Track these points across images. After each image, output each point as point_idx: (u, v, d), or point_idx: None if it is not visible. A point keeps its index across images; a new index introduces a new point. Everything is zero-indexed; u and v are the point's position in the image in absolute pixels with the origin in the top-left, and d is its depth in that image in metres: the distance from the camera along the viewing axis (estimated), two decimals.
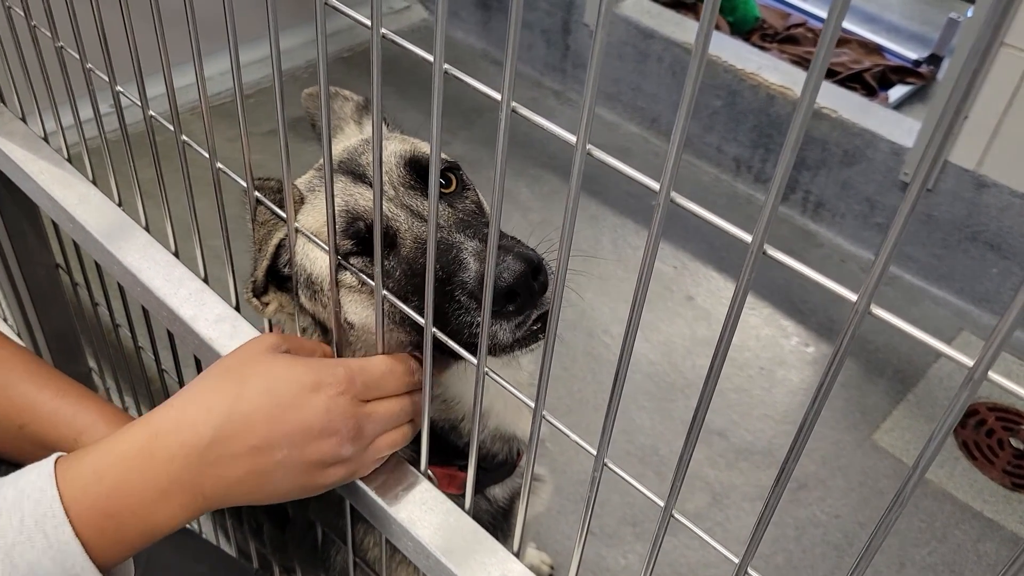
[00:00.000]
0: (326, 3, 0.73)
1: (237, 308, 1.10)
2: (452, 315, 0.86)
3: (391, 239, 0.92)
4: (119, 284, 1.23)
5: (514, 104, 0.63)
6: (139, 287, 1.14)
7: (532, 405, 0.78)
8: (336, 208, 0.93)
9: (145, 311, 1.27)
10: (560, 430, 0.78)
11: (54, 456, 0.84)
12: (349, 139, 1.11)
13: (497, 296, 0.82)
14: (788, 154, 0.49)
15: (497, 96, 0.64)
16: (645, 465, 2.24)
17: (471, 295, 0.84)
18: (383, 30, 0.69)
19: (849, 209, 2.87)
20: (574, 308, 2.61)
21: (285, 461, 0.82)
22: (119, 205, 1.23)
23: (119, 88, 1.07)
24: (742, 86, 2.95)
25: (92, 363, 1.82)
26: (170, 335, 1.23)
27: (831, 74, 3.64)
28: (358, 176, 0.97)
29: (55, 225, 1.43)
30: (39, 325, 1.67)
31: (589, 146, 0.59)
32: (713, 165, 3.17)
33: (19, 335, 1.84)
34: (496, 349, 0.88)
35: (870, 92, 3.57)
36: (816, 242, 2.96)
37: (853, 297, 0.52)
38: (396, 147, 0.99)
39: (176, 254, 1.17)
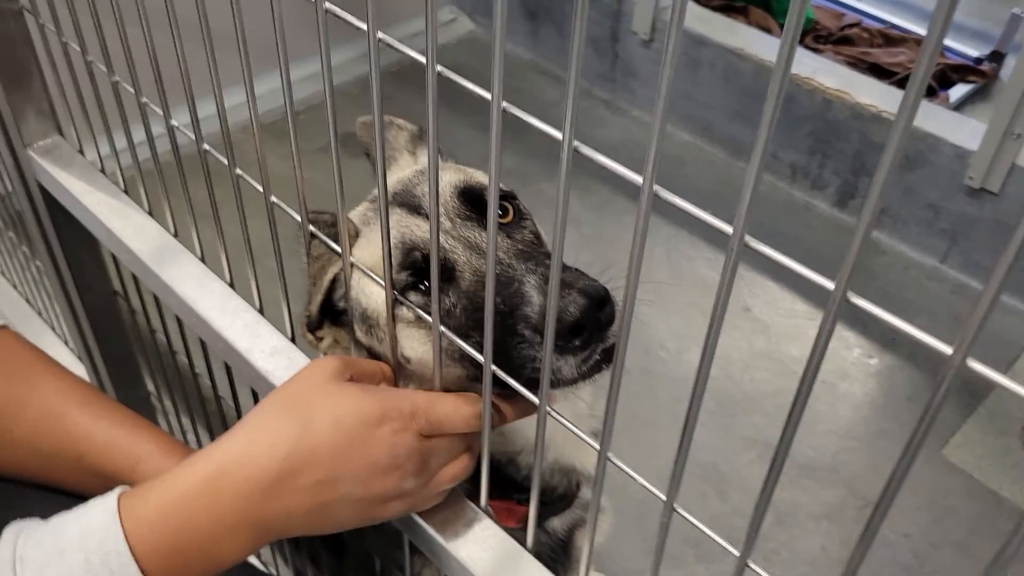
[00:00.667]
0: (380, 40, 0.71)
1: (292, 339, 1.09)
2: (514, 349, 0.84)
3: (449, 272, 0.90)
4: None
5: (577, 144, 0.61)
6: (195, 318, 1.14)
7: (597, 447, 0.76)
8: (392, 240, 0.92)
9: (202, 339, 1.27)
10: (627, 473, 0.75)
11: (117, 492, 0.84)
12: (403, 170, 1.09)
13: (562, 331, 0.79)
14: (880, 181, 0.45)
15: (557, 135, 0.61)
16: (706, 483, 2.19)
17: (535, 329, 0.82)
18: (438, 67, 0.67)
19: (912, 215, 2.78)
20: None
21: (348, 496, 0.82)
22: (175, 235, 1.23)
23: (174, 123, 1.07)
24: (797, 91, 2.89)
25: (151, 386, 1.83)
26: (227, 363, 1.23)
27: (888, 74, 3.55)
28: (413, 208, 0.95)
29: (112, 253, 1.45)
30: (99, 351, 1.69)
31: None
32: (769, 172, 3.11)
33: (80, 358, 1.87)
34: (559, 383, 0.85)
35: (930, 92, 3.47)
36: (879, 249, 2.88)
37: (948, 350, 0.48)
38: (451, 177, 0.98)
39: (231, 284, 1.16)
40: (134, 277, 1.35)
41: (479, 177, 1.01)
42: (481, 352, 0.77)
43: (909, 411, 2.36)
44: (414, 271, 0.91)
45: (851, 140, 2.84)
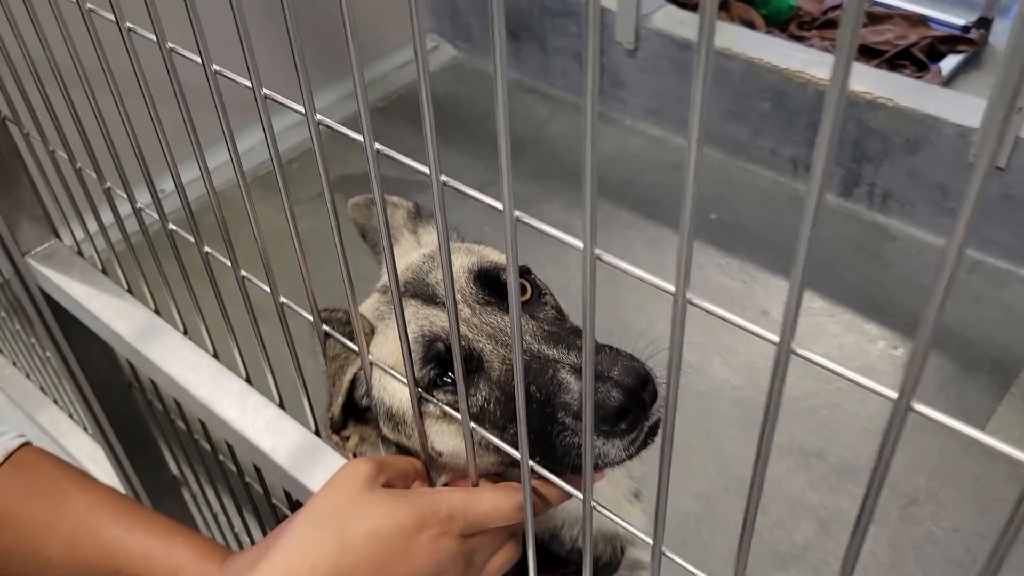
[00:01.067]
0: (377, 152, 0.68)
1: (317, 432, 1.06)
2: (556, 438, 0.81)
3: (476, 363, 0.87)
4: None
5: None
6: (215, 420, 1.11)
7: (650, 541, 0.73)
8: (410, 334, 0.89)
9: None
10: (682, 566, 0.72)
11: None
12: (407, 251, 1.06)
13: (607, 417, 0.76)
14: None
15: (578, 246, 0.58)
16: (745, 498, 2.15)
17: (576, 416, 0.79)
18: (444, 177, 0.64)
19: (919, 197, 2.75)
20: (644, 336, 2.54)
21: None
22: (184, 333, 1.21)
23: (172, 227, 1.04)
24: (789, 85, 2.86)
25: (175, 470, 1.81)
26: None
27: (877, 54, 3.51)
28: (428, 297, 0.92)
29: None
30: (117, 439, 1.66)
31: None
32: (770, 168, 3.07)
33: (101, 445, 1.84)
34: (606, 466, 0.83)
35: (920, 67, 3.43)
36: (888, 235, 2.85)
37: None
38: (463, 261, 0.94)
39: (248, 379, 1.14)
40: None
41: (491, 256, 0.97)
42: (517, 445, 0.74)
43: (941, 400, 2.32)
44: (438, 363, 0.88)
45: (848, 129, 2.80)
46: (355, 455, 1.05)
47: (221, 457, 1.51)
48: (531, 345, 0.83)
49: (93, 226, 1.24)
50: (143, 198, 1.07)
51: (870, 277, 2.66)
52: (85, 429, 2.17)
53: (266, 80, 0.71)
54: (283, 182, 0.79)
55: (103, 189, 1.13)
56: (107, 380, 1.57)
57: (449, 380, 0.87)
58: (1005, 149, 2.45)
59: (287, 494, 1.21)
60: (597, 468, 0.82)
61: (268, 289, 0.93)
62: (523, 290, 0.94)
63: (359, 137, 0.67)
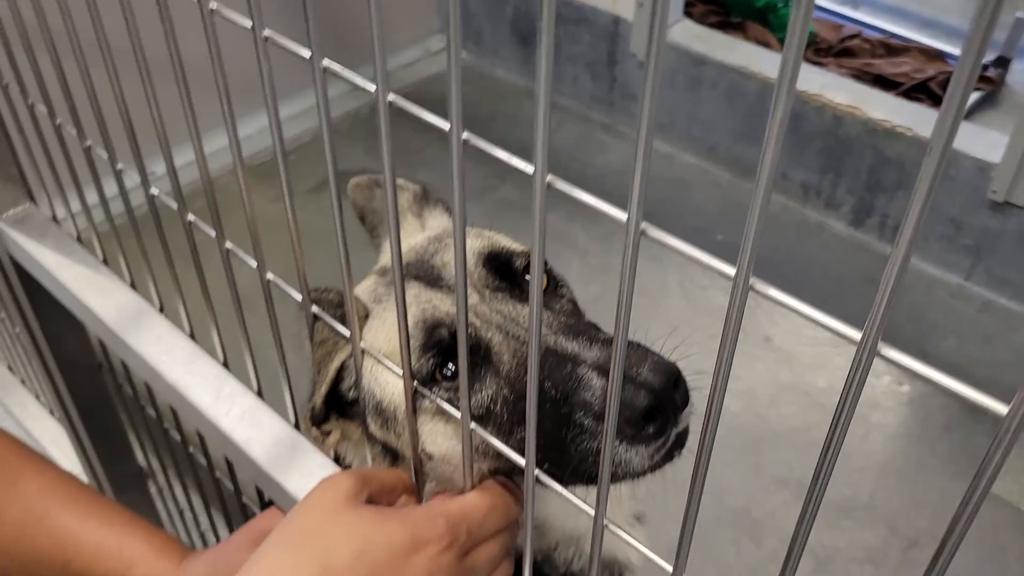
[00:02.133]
0: (390, 103, 0.59)
1: (297, 426, 0.97)
2: (571, 442, 0.72)
3: (484, 355, 0.78)
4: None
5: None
6: (186, 406, 1.02)
7: (668, 568, 0.64)
8: (410, 319, 0.80)
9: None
10: None
11: None
12: (410, 236, 0.97)
13: (634, 419, 0.67)
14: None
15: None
16: (738, 530, 2.06)
17: (597, 417, 0.70)
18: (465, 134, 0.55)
19: (932, 231, 2.67)
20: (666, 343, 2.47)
21: None
22: (160, 310, 1.11)
23: (155, 190, 0.95)
24: (805, 108, 2.79)
25: (143, 461, 1.70)
26: None
27: (893, 85, 3.46)
28: (432, 280, 0.83)
29: None
30: (84, 425, 1.56)
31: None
32: (779, 192, 3.00)
33: (67, 430, 1.74)
34: (627, 476, 0.73)
35: (936, 101, 3.37)
36: None
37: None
38: (471, 243, 0.85)
39: (226, 364, 1.04)
40: None
41: (502, 241, 0.89)
42: (522, 452, 0.65)
43: (947, 441, 2.24)
44: (439, 352, 0.78)
45: (864, 157, 2.73)
46: (336, 455, 0.96)
47: (191, 449, 1.42)
48: (547, 337, 0.74)
49: (72, 193, 1.15)
50: (126, 163, 0.98)
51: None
52: (52, 412, 2.06)
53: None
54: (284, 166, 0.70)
55: (83, 148, 1.04)
56: (76, 359, 1.47)
57: (450, 372, 0.78)
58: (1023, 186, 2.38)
59: (259, 492, 1.12)
60: (616, 479, 0.73)
61: (255, 264, 0.84)
62: None
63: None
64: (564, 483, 0.74)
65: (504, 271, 0.83)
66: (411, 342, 0.78)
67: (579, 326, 0.76)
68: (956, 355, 2.41)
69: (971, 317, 2.59)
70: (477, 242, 0.86)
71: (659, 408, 0.67)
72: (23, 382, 2.14)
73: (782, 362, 2.46)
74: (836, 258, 2.78)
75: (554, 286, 0.88)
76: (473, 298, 0.80)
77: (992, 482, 0.44)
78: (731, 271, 0.47)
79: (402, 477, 0.80)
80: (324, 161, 0.67)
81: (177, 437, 1.43)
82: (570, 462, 0.72)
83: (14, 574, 1.07)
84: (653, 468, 0.73)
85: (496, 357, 0.77)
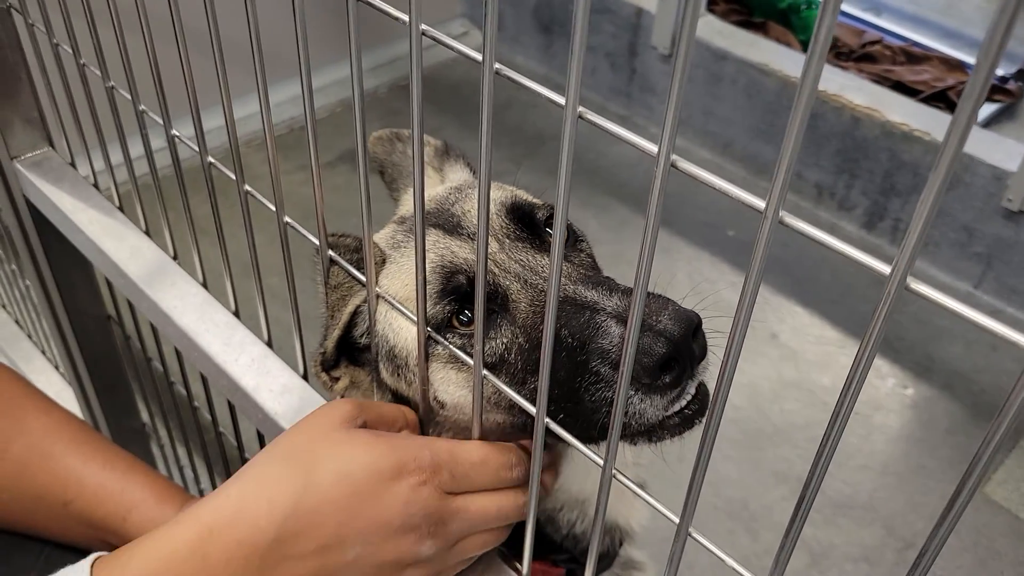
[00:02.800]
0: (423, 32, 0.59)
1: (305, 377, 0.97)
2: (585, 391, 0.71)
3: (502, 303, 0.78)
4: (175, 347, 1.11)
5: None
6: (196, 352, 1.02)
7: (675, 520, 0.64)
8: (428, 265, 0.80)
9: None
10: (715, 554, 0.63)
11: (91, 558, 0.72)
12: (431, 188, 0.97)
13: (651, 366, 0.66)
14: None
15: (652, 150, 0.50)
16: (734, 520, 2.06)
17: (614, 366, 0.69)
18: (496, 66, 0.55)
19: (944, 237, 2.67)
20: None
21: (357, 561, 0.70)
22: (174, 257, 1.12)
23: (175, 132, 0.95)
24: (824, 108, 2.78)
25: (146, 417, 1.71)
26: None
27: (912, 92, 3.45)
28: (452, 227, 0.83)
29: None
30: (90, 378, 1.56)
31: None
32: (793, 192, 2.99)
33: (70, 384, 1.74)
34: (639, 434, 0.73)
35: (955, 111, 3.36)
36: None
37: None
38: (495, 194, 0.85)
39: (236, 313, 1.04)
40: (129, 301, 1.23)
41: (523, 195, 0.89)
42: (534, 400, 0.65)
43: (949, 445, 2.23)
44: (457, 299, 0.78)
45: (880, 159, 2.73)
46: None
47: (196, 404, 1.42)
48: (566, 286, 0.73)
49: (92, 138, 1.15)
50: (150, 106, 0.98)
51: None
52: (57, 367, 2.07)
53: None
54: (313, 129, 0.70)
55: (106, 88, 1.04)
56: (86, 310, 1.48)
57: (467, 319, 0.78)
58: None
59: (261, 442, 1.12)
60: (627, 433, 0.73)
61: (273, 207, 0.84)
62: None
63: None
64: (575, 437, 0.74)
65: (527, 222, 0.83)
66: (428, 288, 0.78)
67: (598, 278, 0.76)
68: (962, 362, 2.41)
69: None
70: (499, 193, 0.86)
71: (676, 357, 0.66)
72: (30, 336, 2.15)
73: (787, 359, 2.46)
74: (846, 260, 2.77)
75: (574, 240, 0.88)
76: (493, 246, 0.80)
77: (982, 477, 0.44)
78: (760, 204, 0.47)
79: (406, 413, 0.80)
80: (339, 136, 0.68)
81: (183, 392, 1.43)
82: (583, 413, 0.72)
83: (15, 512, 1.07)
84: (671, 430, 0.73)
85: (513, 305, 0.77)
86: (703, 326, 0.70)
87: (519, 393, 0.69)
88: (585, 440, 0.69)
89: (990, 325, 0.43)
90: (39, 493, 1.05)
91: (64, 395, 2.06)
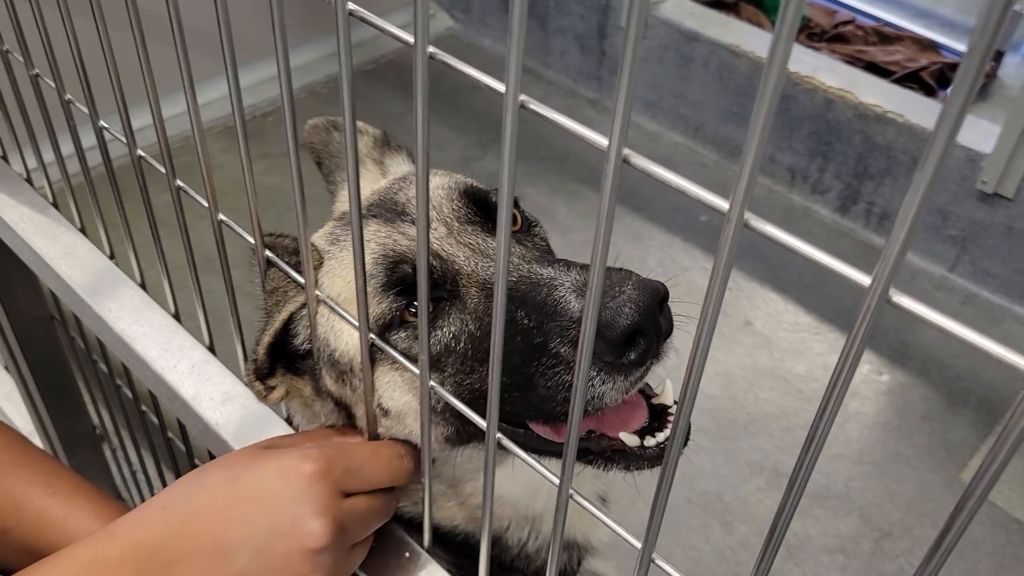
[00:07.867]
0: (350, 13, 0.53)
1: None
2: (541, 376, 0.66)
3: (451, 287, 0.72)
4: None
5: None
6: (133, 358, 0.96)
7: (638, 545, 0.58)
8: (370, 256, 0.74)
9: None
10: None
11: None
12: (369, 184, 0.91)
13: (615, 341, 0.61)
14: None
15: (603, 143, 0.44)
16: (708, 514, 2.02)
17: (574, 343, 0.64)
18: (430, 49, 0.49)
19: (918, 221, 2.63)
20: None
21: (248, 570, 0.66)
22: (111, 257, 1.05)
23: (103, 123, 0.88)
24: (796, 90, 2.73)
25: (96, 419, 1.64)
26: None
27: (885, 73, 3.41)
28: (394, 216, 0.77)
29: None
30: (35, 381, 1.49)
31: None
32: (765, 176, 2.95)
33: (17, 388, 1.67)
34: (613, 462, 0.71)
35: (928, 91, 3.33)
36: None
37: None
38: (441, 180, 0.80)
39: (177, 316, 0.98)
40: None
41: (477, 185, 0.83)
42: (483, 409, 0.60)
43: (924, 432, 2.21)
44: (404, 290, 0.72)
45: (853, 142, 2.69)
46: (288, 415, 0.90)
47: (143, 407, 1.35)
48: (520, 266, 0.68)
49: (23, 133, 1.08)
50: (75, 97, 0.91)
51: (859, 298, 2.54)
52: (6, 368, 1.98)
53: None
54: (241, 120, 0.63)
55: (29, 76, 0.97)
56: (26, 310, 1.40)
57: (414, 311, 0.72)
58: (1015, 179, 2.34)
59: (211, 456, 1.05)
60: (587, 415, 0.68)
61: (206, 204, 0.78)
62: (512, 220, 0.79)
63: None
64: (525, 428, 0.68)
65: (481, 206, 0.78)
66: (372, 282, 0.72)
67: (553, 259, 0.71)
68: (937, 347, 2.38)
69: (954, 309, 2.55)
70: (447, 179, 0.80)
71: (642, 331, 0.61)
72: None
73: (761, 347, 2.42)
74: (820, 245, 2.71)
75: (527, 227, 0.82)
76: (441, 230, 0.74)
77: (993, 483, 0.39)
78: (724, 205, 0.42)
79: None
80: (297, 124, 0.62)
81: (129, 394, 1.37)
82: (538, 398, 0.66)
83: None
84: (648, 461, 0.71)
85: (464, 291, 0.72)
86: (669, 301, 0.65)
87: (470, 383, 0.64)
88: (537, 420, 0.63)
89: (979, 342, 0.38)
90: None
91: (13, 396, 1.99)
